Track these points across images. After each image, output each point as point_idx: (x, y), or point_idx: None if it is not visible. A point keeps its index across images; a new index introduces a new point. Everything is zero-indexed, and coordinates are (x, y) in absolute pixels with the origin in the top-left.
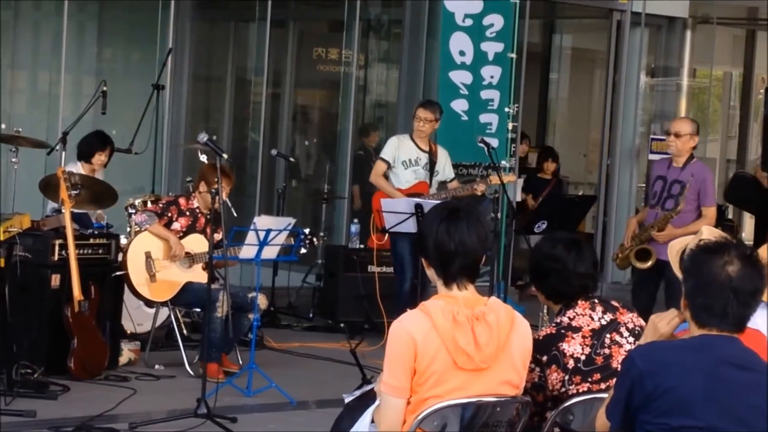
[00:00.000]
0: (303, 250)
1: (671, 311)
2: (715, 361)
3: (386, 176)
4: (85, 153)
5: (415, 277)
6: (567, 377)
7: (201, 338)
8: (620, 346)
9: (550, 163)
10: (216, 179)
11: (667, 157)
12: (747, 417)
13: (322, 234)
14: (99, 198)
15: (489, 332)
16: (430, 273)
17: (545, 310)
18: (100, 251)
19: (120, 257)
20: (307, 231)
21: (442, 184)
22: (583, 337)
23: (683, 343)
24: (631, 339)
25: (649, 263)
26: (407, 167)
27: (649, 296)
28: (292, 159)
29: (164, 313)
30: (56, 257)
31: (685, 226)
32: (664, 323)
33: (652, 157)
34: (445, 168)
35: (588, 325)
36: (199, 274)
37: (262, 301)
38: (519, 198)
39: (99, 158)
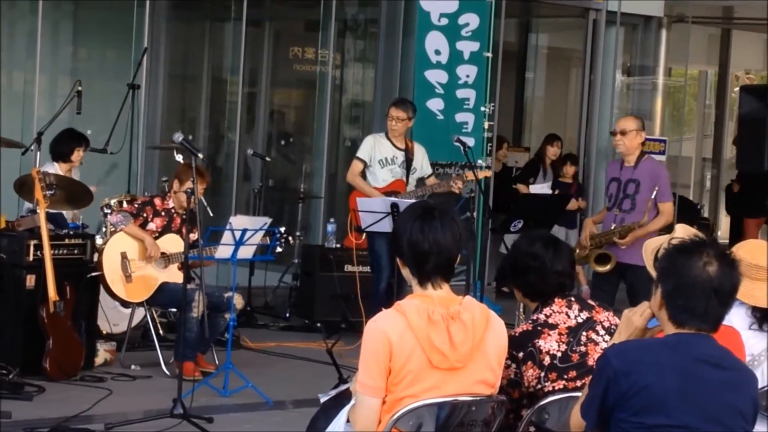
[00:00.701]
0: (279, 249)
1: (643, 304)
2: (690, 359)
3: (363, 175)
4: (63, 152)
5: (393, 277)
6: (543, 374)
7: (176, 338)
8: (596, 344)
9: (569, 166)
10: (189, 178)
11: (620, 157)
12: (722, 415)
13: (298, 233)
14: (74, 198)
15: (464, 331)
16: (405, 272)
17: (521, 309)
18: (76, 251)
19: (95, 257)
20: (282, 230)
21: (420, 181)
22: (560, 334)
23: (658, 342)
24: (607, 337)
25: (608, 267)
26: (384, 166)
27: (607, 297)
28: (268, 159)
29: (140, 313)
30: (31, 258)
31: (645, 226)
32: (638, 316)
33: None
34: (422, 164)
35: (564, 323)
36: (174, 274)
37: (238, 301)
38: None
39: (78, 155)
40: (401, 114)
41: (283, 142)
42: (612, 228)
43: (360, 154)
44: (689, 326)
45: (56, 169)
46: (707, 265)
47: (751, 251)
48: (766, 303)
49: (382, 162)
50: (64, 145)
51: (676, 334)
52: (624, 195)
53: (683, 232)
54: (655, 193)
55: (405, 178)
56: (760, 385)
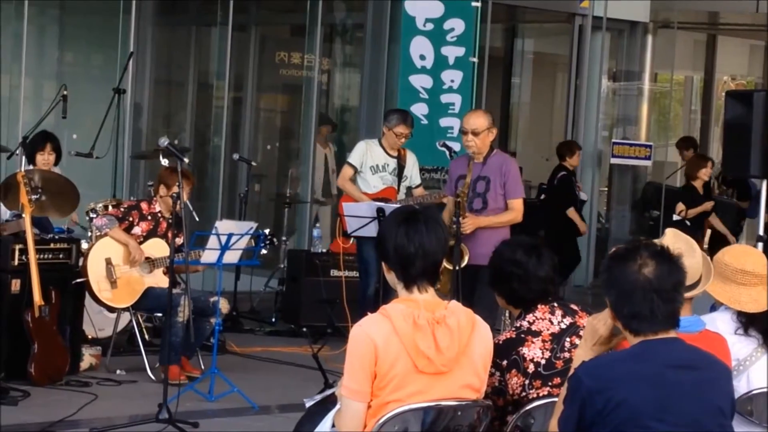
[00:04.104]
0: (264, 251)
1: (606, 311)
2: (660, 366)
3: (354, 181)
4: (29, 155)
5: (379, 282)
6: (527, 381)
7: (161, 343)
8: None
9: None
10: (174, 182)
11: (465, 154)
12: (701, 416)
13: (284, 238)
14: (60, 203)
15: (450, 336)
16: (390, 277)
17: (507, 314)
18: (61, 256)
19: (81, 262)
20: (267, 231)
21: (409, 190)
22: (543, 341)
23: (626, 354)
24: None
25: (463, 264)
26: (375, 172)
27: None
28: (254, 163)
29: (126, 317)
30: (16, 262)
31: (489, 216)
32: (601, 324)
33: (614, 161)
34: (412, 173)
35: (548, 329)
36: (160, 279)
37: (224, 306)
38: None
39: (41, 158)
40: (409, 131)
41: (269, 147)
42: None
43: (351, 159)
44: (645, 332)
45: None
46: (642, 267)
47: (737, 256)
48: (751, 308)
49: (373, 168)
50: (30, 148)
51: (641, 343)
52: (474, 194)
53: (673, 237)
54: (501, 182)
55: (396, 186)
56: (744, 390)
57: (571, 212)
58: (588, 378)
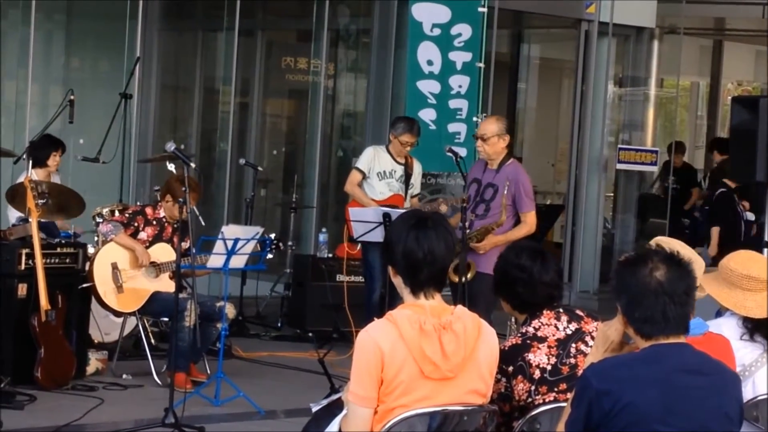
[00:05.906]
0: (269, 256)
1: (617, 318)
2: (668, 370)
3: (361, 186)
4: (39, 158)
5: (385, 287)
6: (533, 387)
7: (168, 348)
8: (585, 355)
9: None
10: (183, 192)
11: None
12: (708, 422)
13: (290, 243)
14: (66, 207)
15: (456, 341)
16: (397, 281)
17: (513, 320)
18: (68, 260)
19: (87, 266)
20: (273, 236)
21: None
22: (549, 347)
23: (635, 357)
24: None
25: (469, 276)
26: (381, 179)
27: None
28: (260, 168)
29: (132, 322)
30: (23, 267)
31: (505, 233)
32: (612, 330)
33: (620, 166)
34: (416, 181)
35: (553, 335)
36: (166, 284)
37: (230, 311)
38: None
39: (54, 159)
40: (415, 140)
41: (275, 152)
42: (467, 232)
43: (359, 164)
44: (656, 336)
45: (32, 175)
46: (654, 271)
47: (743, 262)
48: (757, 313)
49: (380, 174)
50: (41, 150)
51: (652, 347)
52: (480, 199)
53: (667, 244)
54: (506, 195)
55: (404, 193)
56: (750, 395)
57: (714, 231)
58: (596, 379)
